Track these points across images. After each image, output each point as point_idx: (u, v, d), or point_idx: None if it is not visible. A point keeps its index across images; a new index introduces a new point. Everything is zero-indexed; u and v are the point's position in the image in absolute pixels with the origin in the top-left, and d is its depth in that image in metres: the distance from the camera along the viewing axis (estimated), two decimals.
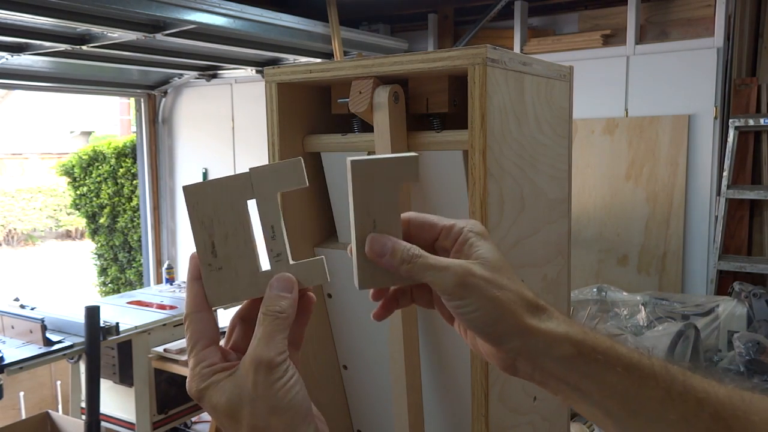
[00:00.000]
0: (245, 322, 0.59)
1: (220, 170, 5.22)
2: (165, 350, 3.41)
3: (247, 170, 0.57)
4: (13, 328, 3.22)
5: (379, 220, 0.57)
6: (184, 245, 5.53)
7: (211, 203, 0.56)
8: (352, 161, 0.56)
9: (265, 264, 0.57)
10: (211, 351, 0.56)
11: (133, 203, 6.23)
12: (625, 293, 3.11)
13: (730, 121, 3.22)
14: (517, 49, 3.88)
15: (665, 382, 0.54)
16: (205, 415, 4.04)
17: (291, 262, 0.57)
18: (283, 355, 0.55)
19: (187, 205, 0.57)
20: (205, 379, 0.55)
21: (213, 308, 0.57)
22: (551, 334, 0.55)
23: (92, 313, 3.10)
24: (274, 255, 0.57)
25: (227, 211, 0.56)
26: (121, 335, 3.35)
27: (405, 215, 0.60)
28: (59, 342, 3.14)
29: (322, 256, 0.59)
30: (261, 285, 0.56)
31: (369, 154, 1.08)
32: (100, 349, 3.15)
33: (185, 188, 0.57)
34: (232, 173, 0.58)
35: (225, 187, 0.56)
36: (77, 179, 6.66)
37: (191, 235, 0.58)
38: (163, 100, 5.41)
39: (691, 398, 0.54)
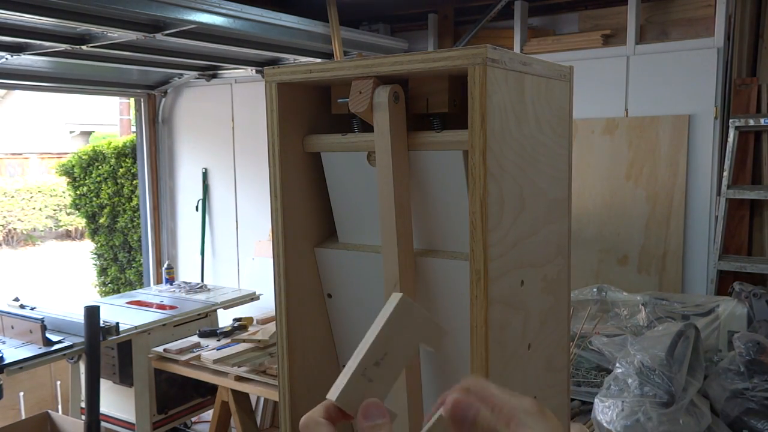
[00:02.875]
0: (330, 421, 0.63)
1: (220, 170, 5.22)
2: (165, 350, 3.41)
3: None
4: (13, 328, 3.22)
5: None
6: (184, 245, 5.53)
7: (405, 331, 0.65)
8: (404, 297, 0.64)
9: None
10: None
11: (133, 203, 6.23)
12: (625, 293, 3.11)
13: (731, 121, 3.22)
14: (517, 49, 3.88)
15: None
16: (205, 415, 4.03)
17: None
18: None
19: (392, 315, 0.65)
20: None
21: (338, 401, 0.62)
22: None
23: (92, 313, 3.10)
24: (368, 376, 0.64)
25: (404, 345, 0.65)
26: (121, 335, 3.35)
27: (465, 383, 0.60)
28: (59, 342, 3.14)
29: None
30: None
31: (370, 156, 1.09)
32: (100, 349, 3.15)
33: (405, 299, 0.65)
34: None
35: (421, 325, 0.65)
36: (77, 179, 6.66)
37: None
38: (163, 100, 5.41)
39: None
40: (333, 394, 0.62)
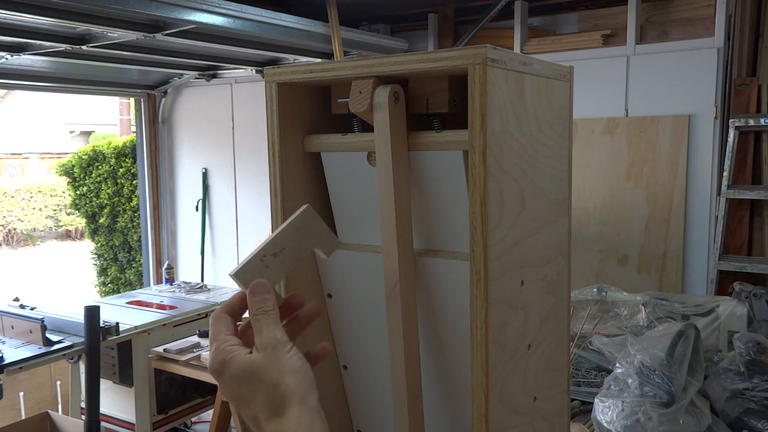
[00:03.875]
0: (232, 316, 0.75)
1: (220, 170, 5.22)
2: (165, 350, 3.41)
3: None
4: (13, 328, 3.22)
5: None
6: (184, 245, 5.53)
7: (304, 234, 0.80)
8: (308, 207, 0.80)
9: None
10: (231, 336, 0.72)
11: (133, 203, 6.23)
12: (625, 293, 3.11)
13: (731, 121, 3.22)
14: (517, 49, 3.88)
15: None
16: (205, 415, 4.03)
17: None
18: (286, 336, 0.71)
19: (295, 219, 0.80)
20: (228, 353, 0.70)
21: (235, 276, 0.75)
22: None
23: (92, 313, 3.10)
24: (265, 263, 0.76)
25: (301, 246, 0.80)
26: (121, 335, 3.35)
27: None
28: (59, 342, 3.14)
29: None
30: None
31: (370, 156, 1.09)
32: (100, 349, 3.15)
33: (309, 209, 0.81)
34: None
35: (320, 233, 0.82)
36: (77, 179, 6.66)
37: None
38: (163, 100, 5.41)
39: None
40: (233, 270, 0.75)
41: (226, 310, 0.75)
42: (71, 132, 16.33)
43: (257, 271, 0.76)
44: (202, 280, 5.16)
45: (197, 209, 5.32)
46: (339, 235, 1.18)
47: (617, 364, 2.25)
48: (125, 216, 6.34)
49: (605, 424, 2.11)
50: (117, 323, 3.36)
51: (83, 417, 3.22)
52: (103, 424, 3.28)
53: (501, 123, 0.94)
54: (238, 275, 0.75)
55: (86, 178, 6.59)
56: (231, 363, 0.69)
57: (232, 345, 0.71)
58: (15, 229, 12.92)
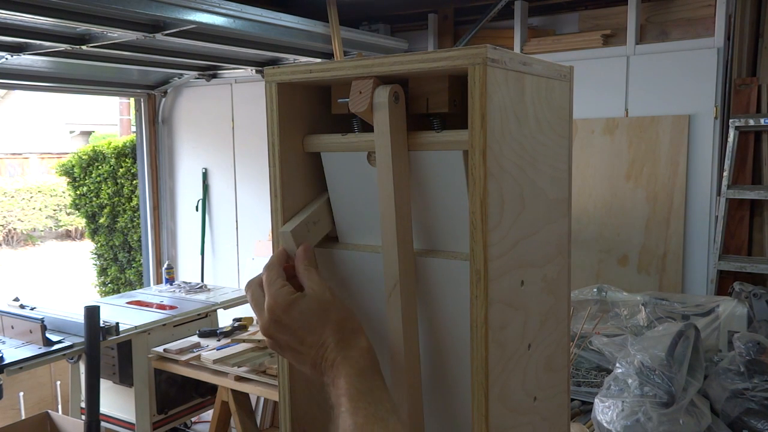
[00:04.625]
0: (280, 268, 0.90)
1: (220, 170, 5.22)
2: (165, 350, 3.41)
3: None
4: (13, 328, 3.22)
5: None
6: (184, 245, 5.53)
7: (328, 212, 1.05)
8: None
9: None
10: (286, 282, 0.85)
11: (133, 203, 6.23)
12: (625, 293, 3.11)
13: (731, 121, 3.22)
14: (517, 49, 3.88)
15: None
16: (205, 415, 4.03)
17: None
18: None
19: (324, 199, 1.05)
20: (292, 293, 0.83)
21: (291, 233, 0.93)
22: None
23: (92, 313, 3.10)
24: (308, 228, 0.97)
25: (325, 221, 1.03)
26: (120, 335, 3.35)
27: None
28: (59, 342, 3.14)
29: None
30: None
31: (370, 156, 1.09)
32: (100, 349, 3.15)
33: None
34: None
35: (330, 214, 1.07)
36: (77, 179, 6.66)
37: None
38: (163, 100, 5.41)
39: None
40: (287, 228, 0.92)
41: (279, 262, 0.89)
42: (71, 132, 16.33)
43: (304, 235, 0.94)
44: (202, 280, 5.15)
45: (197, 209, 5.32)
46: (339, 235, 1.18)
47: (617, 364, 2.25)
48: (125, 216, 6.34)
49: (605, 424, 2.11)
50: (117, 323, 3.36)
51: (83, 417, 3.22)
52: (103, 424, 3.29)
53: (501, 123, 0.94)
54: (294, 233, 0.91)
55: (86, 178, 6.59)
56: (299, 301, 0.82)
57: (291, 288, 0.84)
58: (15, 229, 12.92)
